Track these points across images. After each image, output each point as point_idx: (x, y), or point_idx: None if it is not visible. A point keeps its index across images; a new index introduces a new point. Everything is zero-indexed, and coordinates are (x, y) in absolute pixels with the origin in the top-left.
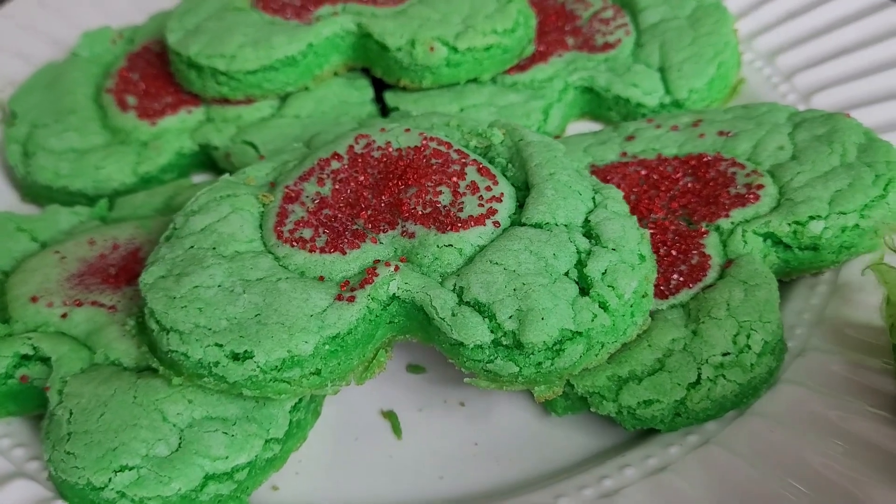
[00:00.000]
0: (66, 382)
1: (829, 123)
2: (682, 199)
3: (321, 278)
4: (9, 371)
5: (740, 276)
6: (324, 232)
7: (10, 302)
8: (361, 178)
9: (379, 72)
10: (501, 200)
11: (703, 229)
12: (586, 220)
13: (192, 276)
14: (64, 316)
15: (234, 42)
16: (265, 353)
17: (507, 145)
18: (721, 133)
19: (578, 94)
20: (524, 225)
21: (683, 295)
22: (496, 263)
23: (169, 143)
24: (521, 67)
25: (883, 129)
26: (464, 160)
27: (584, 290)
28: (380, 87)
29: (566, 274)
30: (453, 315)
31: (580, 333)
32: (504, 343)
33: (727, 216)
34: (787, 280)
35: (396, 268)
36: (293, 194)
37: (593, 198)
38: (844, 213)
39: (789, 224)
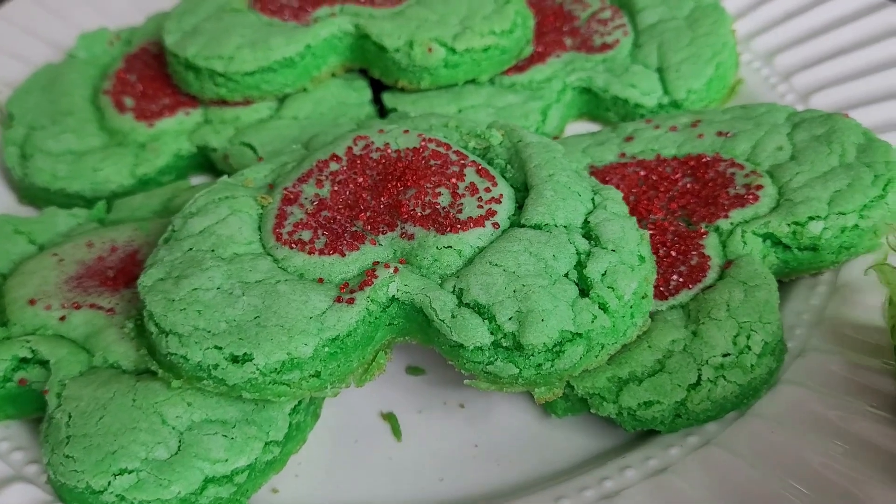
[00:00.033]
0: (65, 385)
1: (828, 124)
2: (682, 200)
3: (320, 280)
4: (7, 374)
5: (740, 276)
6: (323, 234)
7: (8, 305)
8: (360, 179)
9: (377, 73)
10: (501, 202)
11: (702, 230)
12: (586, 222)
13: (190, 279)
14: (62, 319)
15: (231, 43)
16: (264, 356)
17: (505, 146)
18: (720, 133)
19: (577, 94)
20: (523, 226)
21: (683, 296)
22: (496, 265)
23: (167, 144)
24: (519, 68)
25: (882, 129)
26: (463, 161)
27: (584, 292)
28: (378, 88)
29: (566, 275)
30: (453, 317)
31: (580, 335)
32: (504, 345)
33: (726, 217)
34: (786, 280)
35: (396, 269)
36: (292, 196)
37: (592, 199)
38: (844, 214)
39: (788, 224)
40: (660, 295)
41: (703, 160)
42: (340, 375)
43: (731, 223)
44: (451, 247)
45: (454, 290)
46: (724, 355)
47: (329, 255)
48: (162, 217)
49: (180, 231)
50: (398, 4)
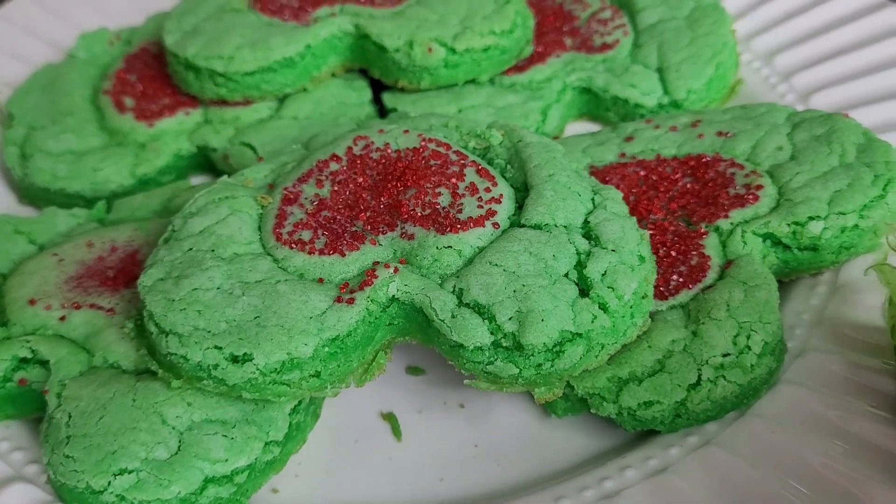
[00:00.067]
0: (65, 385)
1: (828, 124)
2: (682, 200)
3: (320, 280)
4: (7, 374)
5: (740, 276)
6: (323, 234)
7: (8, 305)
8: (360, 179)
9: (377, 73)
10: (501, 202)
11: (702, 230)
12: (586, 221)
13: (190, 279)
14: (62, 319)
15: (231, 43)
16: (265, 356)
17: (505, 146)
18: (720, 133)
19: (577, 94)
20: (523, 226)
21: (683, 296)
22: (496, 265)
23: (167, 144)
24: (519, 68)
25: (881, 129)
26: (463, 161)
27: (584, 292)
28: (378, 88)
29: (566, 275)
30: (453, 317)
31: (580, 335)
32: (504, 345)
33: (726, 217)
34: (786, 280)
35: (396, 269)
36: (292, 196)
37: (592, 199)
38: (844, 214)
39: (788, 224)
40: (660, 295)
41: (703, 160)
42: (340, 375)
43: (731, 223)
44: (451, 247)
45: (454, 290)
46: (724, 355)
47: (329, 255)
48: (162, 217)
49: (180, 231)
50: (398, 4)
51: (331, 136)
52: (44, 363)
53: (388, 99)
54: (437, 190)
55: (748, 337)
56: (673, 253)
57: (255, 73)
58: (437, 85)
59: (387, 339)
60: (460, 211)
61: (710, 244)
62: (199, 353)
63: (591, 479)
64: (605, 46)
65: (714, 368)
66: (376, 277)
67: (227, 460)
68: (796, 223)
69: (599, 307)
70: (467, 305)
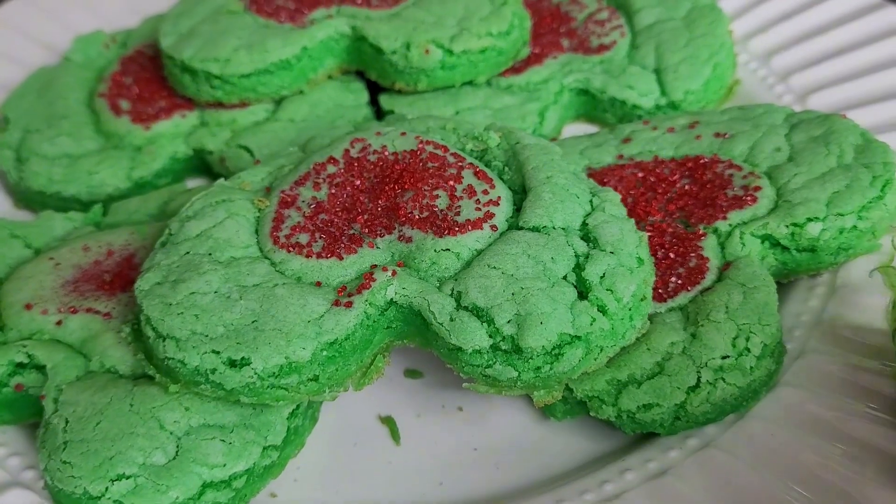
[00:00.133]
0: (62, 391)
1: (826, 124)
2: (680, 202)
3: (318, 284)
4: (3, 379)
5: (739, 278)
6: (320, 237)
7: (4, 309)
8: (358, 182)
9: (374, 75)
10: (499, 204)
11: (700, 232)
12: (584, 224)
13: (188, 283)
14: (59, 323)
15: (228, 46)
16: (263, 360)
17: (503, 148)
18: (718, 135)
19: (574, 96)
20: (522, 229)
21: (682, 298)
22: (494, 268)
23: (163, 147)
24: (516, 70)
25: (879, 129)
26: (460, 164)
27: (583, 294)
28: (374, 90)
29: (564, 278)
30: (451, 320)
31: (579, 337)
32: (503, 348)
33: (725, 218)
34: (785, 282)
35: (394, 272)
36: (289, 199)
37: (591, 201)
38: (842, 215)
39: (787, 226)
40: (658, 297)
41: (701, 161)
42: (339, 379)
43: (730, 225)
44: (448, 249)
45: (452, 293)
46: (724, 357)
47: (327, 258)
48: (158, 220)
49: (177, 235)
50: (395, 6)
51: (328, 138)
52: (40, 368)
53: (384, 101)
54: (435, 192)
55: (747, 339)
56: (671, 255)
57: (252, 75)
58: (434, 87)
59: (385, 343)
60: (458, 213)
61: (709, 246)
62: (197, 357)
63: (590, 482)
64: (603, 48)
65: (713, 371)
66: (374, 281)
67: (225, 465)
68: (795, 224)
69: (598, 310)
70: (466, 308)
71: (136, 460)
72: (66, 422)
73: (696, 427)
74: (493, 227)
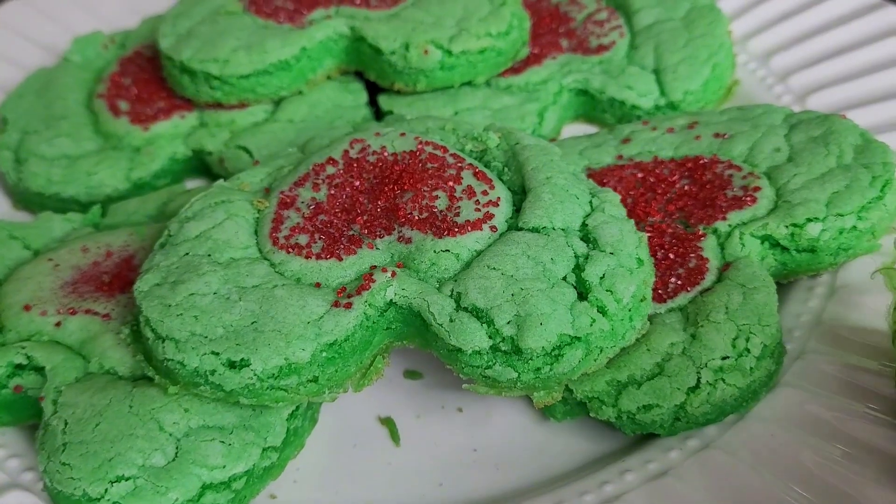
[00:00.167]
0: (61, 392)
1: (825, 125)
2: (679, 202)
3: (318, 285)
4: (2, 381)
5: (738, 279)
6: (320, 238)
7: (3, 311)
8: (357, 182)
9: (373, 75)
10: (498, 205)
11: (700, 232)
12: (584, 224)
13: (187, 284)
14: (58, 324)
15: (227, 46)
16: (262, 361)
17: (502, 149)
18: (717, 135)
19: (573, 96)
20: (521, 229)
21: (681, 298)
22: (494, 268)
23: (162, 148)
24: (515, 70)
25: (879, 129)
26: (460, 164)
27: (583, 295)
28: (373, 90)
29: (564, 279)
30: (451, 321)
31: (579, 338)
32: (502, 349)
33: (724, 219)
34: (784, 282)
35: (393, 273)
36: (288, 200)
37: (590, 201)
38: (842, 215)
39: (787, 226)
40: (658, 298)
41: (701, 162)
42: (338, 380)
43: (729, 225)
44: (448, 250)
45: (452, 293)
46: (724, 358)
47: (326, 259)
48: (157, 221)
49: (176, 236)
50: (394, 6)
51: (327, 139)
52: (39, 369)
53: (383, 101)
54: (435, 193)
55: (747, 339)
56: (671, 255)
57: (251, 75)
58: (433, 87)
59: (384, 344)
60: (458, 214)
61: (708, 246)
62: (196, 358)
63: (590, 483)
64: (602, 48)
65: (713, 371)
66: (374, 282)
67: (224, 466)
68: (794, 225)
69: (598, 310)
70: (465, 309)
71: (136, 462)
72: (66, 423)
73: (696, 428)
74: (493, 228)
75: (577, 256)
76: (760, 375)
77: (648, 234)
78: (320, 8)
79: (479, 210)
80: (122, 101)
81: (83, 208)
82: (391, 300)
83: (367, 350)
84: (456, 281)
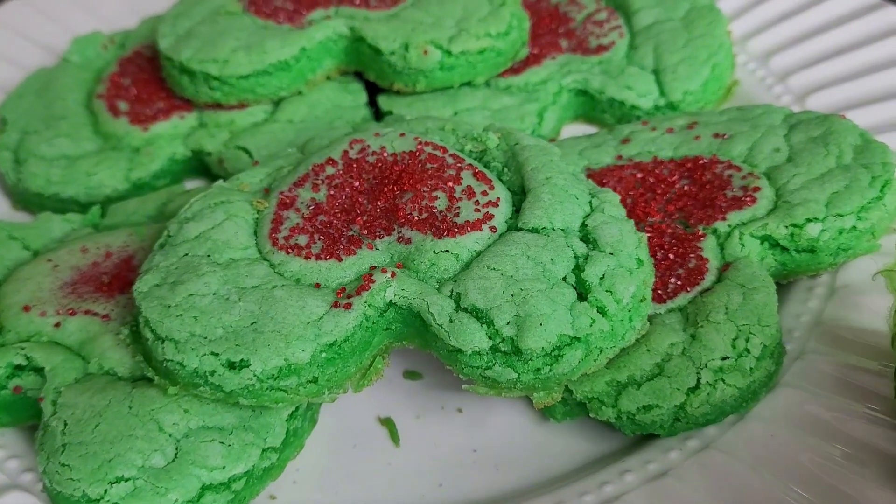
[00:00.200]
0: (60, 393)
1: (825, 125)
2: (679, 202)
3: (317, 285)
4: (2, 382)
5: (738, 279)
6: (319, 238)
7: (2, 311)
8: (356, 183)
9: (372, 76)
10: (498, 205)
11: (699, 232)
12: (583, 225)
13: (186, 285)
14: (57, 325)
15: (226, 47)
16: (262, 362)
17: (502, 149)
18: (717, 135)
19: (572, 96)
20: (521, 230)
21: (681, 299)
22: (493, 269)
23: (161, 148)
24: (514, 70)
25: (878, 129)
26: (459, 165)
27: (583, 296)
28: (373, 91)
29: (564, 279)
30: (451, 321)
31: (579, 339)
32: (502, 349)
33: (724, 219)
34: (784, 283)
35: (393, 274)
36: (288, 200)
37: (590, 202)
38: (841, 216)
39: (786, 226)
40: (658, 298)
41: (700, 162)
42: (338, 381)
43: (729, 225)
44: (448, 251)
45: (452, 294)
46: (723, 358)
47: (326, 259)
48: (157, 222)
49: (176, 236)
50: (393, 7)
51: (326, 139)
52: (39, 370)
53: (383, 102)
54: (434, 194)
55: (747, 340)
56: (671, 256)
57: (250, 76)
58: (433, 88)
59: (384, 344)
60: (457, 215)
61: (708, 246)
62: (196, 359)
63: (590, 484)
64: (601, 48)
65: (713, 372)
66: (373, 282)
67: (224, 467)
68: (794, 225)
69: (598, 311)
70: (465, 310)
71: (135, 463)
72: (65, 424)
73: (695, 428)
74: (493, 229)
75: (576, 257)
76: (760, 376)
77: (648, 235)
78: (320, 8)
79: (478, 210)
80: (121, 102)
81: (83, 209)
82: (391, 301)
83: (366, 351)
84: (456, 281)
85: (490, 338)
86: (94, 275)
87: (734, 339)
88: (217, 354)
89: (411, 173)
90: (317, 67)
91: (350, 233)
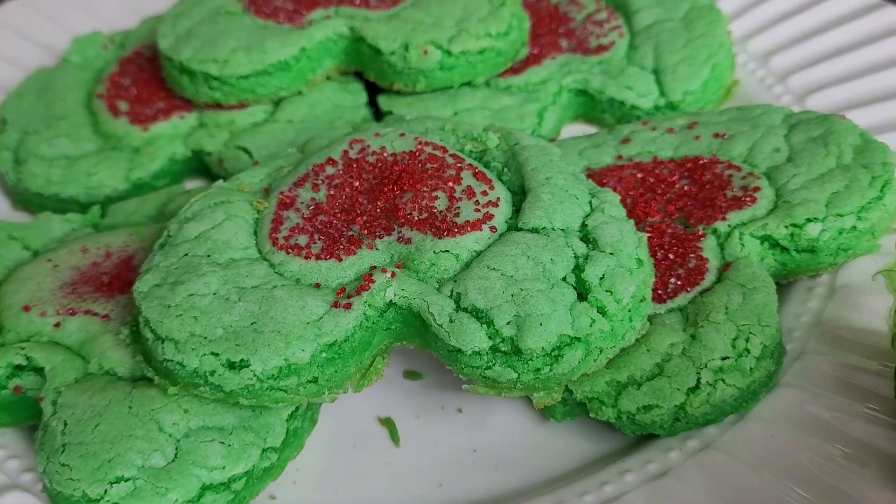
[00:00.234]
0: (60, 393)
1: (825, 125)
2: (679, 202)
3: (317, 285)
4: (2, 382)
5: (738, 279)
6: (319, 238)
7: (2, 311)
8: (356, 183)
9: (372, 76)
10: (498, 205)
11: (699, 232)
12: (583, 225)
13: (186, 285)
14: (57, 325)
15: (226, 47)
16: (262, 362)
17: (502, 149)
18: (716, 135)
19: (572, 96)
20: (521, 230)
21: (681, 299)
22: (493, 269)
23: (161, 148)
24: (514, 70)
25: (878, 129)
26: (459, 165)
27: (583, 296)
28: (373, 91)
29: (564, 279)
30: (451, 321)
31: (579, 339)
32: (502, 349)
33: (724, 219)
34: (784, 283)
35: (393, 274)
36: (288, 200)
37: (590, 202)
38: (841, 216)
39: (786, 226)
40: (658, 298)
41: (700, 162)
42: (338, 381)
43: (729, 225)
44: (448, 251)
45: (452, 294)
46: (723, 358)
47: (326, 259)
48: (157, 222)
49: (176, 236)
50: (393, 7)
51: (326, 139)
52: (39, 370)
53: (383, 102)
54: (434, 194)
55: (747, 340)
56: (671, 256)
57: (250, 76)
58: (433, 88)
59: (384, 344)
60: (457, 215)
61: (708, 246)
62: (196, 359)
63: (590, 484)
64: (601, 48)
65: (713, 372)
66: (373, 282)
67: (224, 467)
68: (794, 225)
69: (598, 311)
70: (465, 310)
71: (135, 463)
72: (65, 424)
73: (695, 428)
74: (493, 229)
75: (576, 257)
76: (760, 376)
77: (648, 235)
78: (320, 8)
79: (478, 210)
80: (121, 102)
81: (82, 209)
82: (391, 301)
83: (366, 351)
84: (456, 281)
85: (490, 338)
86: (94, 275)
87: (734, 339)
88: (217, 354)
89: (411, 173)
90: (317, 67)
91: (350, 233)
